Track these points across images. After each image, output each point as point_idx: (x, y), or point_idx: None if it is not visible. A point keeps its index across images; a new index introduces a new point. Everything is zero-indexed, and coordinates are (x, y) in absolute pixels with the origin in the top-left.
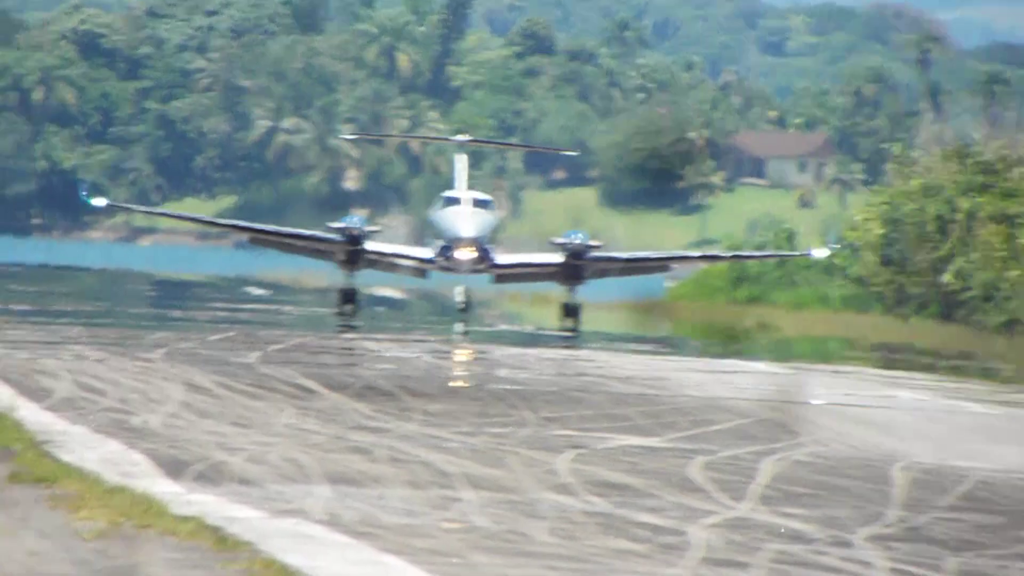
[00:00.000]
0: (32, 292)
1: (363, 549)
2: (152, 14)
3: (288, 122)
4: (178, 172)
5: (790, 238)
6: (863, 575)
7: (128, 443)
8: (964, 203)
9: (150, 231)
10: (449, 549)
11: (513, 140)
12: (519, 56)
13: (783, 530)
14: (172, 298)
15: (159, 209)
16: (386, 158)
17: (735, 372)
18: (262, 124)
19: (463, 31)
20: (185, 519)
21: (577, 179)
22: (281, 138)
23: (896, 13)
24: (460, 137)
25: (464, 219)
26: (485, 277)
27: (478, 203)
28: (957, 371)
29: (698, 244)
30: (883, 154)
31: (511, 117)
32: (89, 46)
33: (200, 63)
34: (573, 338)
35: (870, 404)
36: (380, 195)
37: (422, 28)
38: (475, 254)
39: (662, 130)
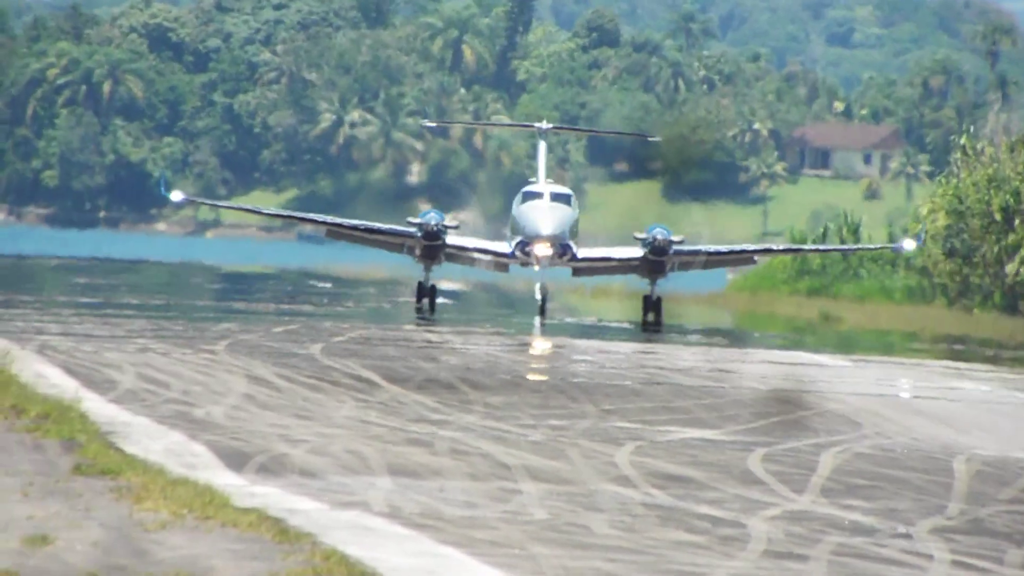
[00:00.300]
0: (98, 285)
1: (423, 541)
2: (220, 8)
3: (353, 115)
4: (244, 165)
5: (855, 230)
6: (924, 567)
7: (190, 435)
8: None
9: (215, 224)
10: (509, 541)
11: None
12: (584, 49)
13: (847, 522)
14: (236, 291)
15: (234, 204)
16: (450, 150)
17: (797, 364)
18: (327, 117)
19: (528, 24)
20: (247, 511)
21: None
22: (346, 131)
23: (965, 3)
24: (542, 124)
25: (543, 214)
26: (565, 271)
27: (558, 197)
28: (1021, 363)
29: (761, 236)
30: (949, 145)
31: (575, 109)
32: (158, 40)
33: (266, 56)
34: (639, 330)
35: (933, 396)
36: (446, 188)
37: (487, 21)
38: (554, 250)
39: (726, 121)
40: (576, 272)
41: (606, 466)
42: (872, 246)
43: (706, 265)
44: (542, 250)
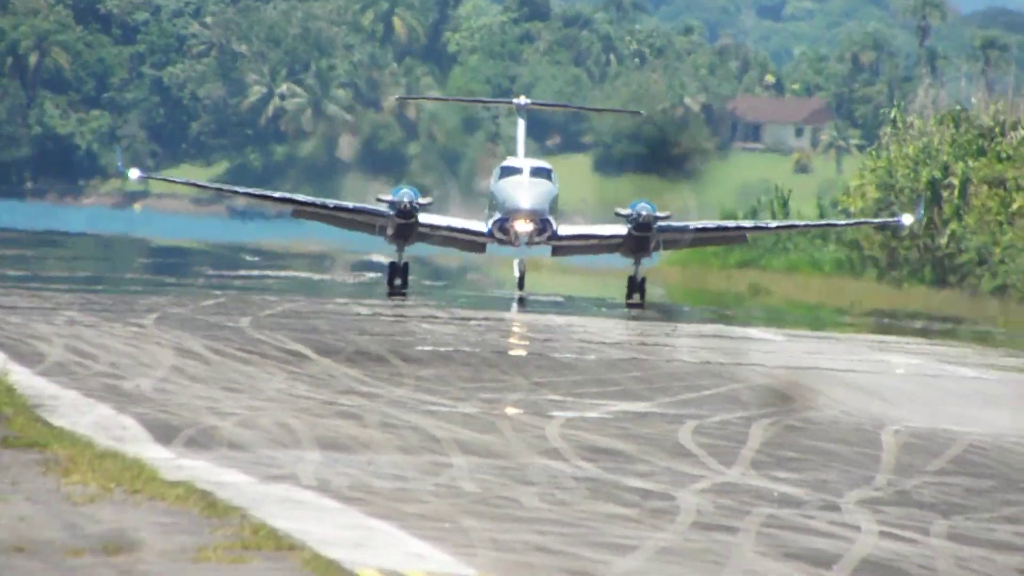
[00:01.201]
0: (25, 257)
1: (353, 514)
2: None
3: (283, 88)
4: (173, 138)
5: (784, 204)
6: (852, 539)
7: (119, 408)
8: (959, 168)
9: (144, 196)
10: (439, 514)
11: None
12: (515, 22)
13: (776, 494)
14: (165, 264)
15: (193, 180)
16: (382, 124)
17: (727, 337)
18: (257, 90)
19: None
20: (175, 484)
21: (572, 145)
22: (275, 103)
23: None
24: (520, 100)
25: (523, 189)
26: (545, 249)
27: (538, 172)
28: (950, 335)
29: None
30: (880, 119)
31: (506, 83)
32: (85, 11)
33: (195, 29)
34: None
35: (862, 369)
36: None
37: None
38: (534, 227)
39: (657, 96)
40: (556, 251)
41: (536, 439)
42: (875, 220)
43: (694, 243)
44: (522, 227)
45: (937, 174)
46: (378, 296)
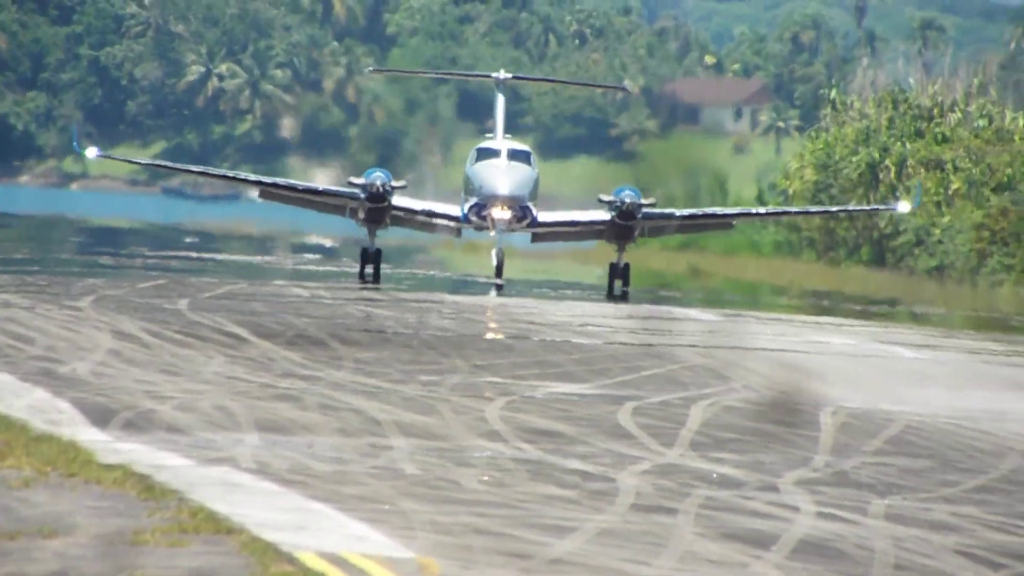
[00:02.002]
0: None
1: (292, 497)
2: None
3: (221, 68)
4: (110, 119)
5: (722, 185)
6: (790, 519)
7: (55, 391)
8: (897, 149)
9: (82, 176)
10: (379, 496)
11: (448, 87)
12: (455, 3)
13: (715, 475)
14: (102, 245)
15: (157, 161)
16: (321, 104)
17: (666, 319)
18: (194, 70)
19: None
20: (112, 467)
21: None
22: (213, 84)
23: None
24: (499, 74)
25: (500, 174)
26: (524, 237)
27: (516, 154)
28: (887, 316)
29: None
30: (819, 101)
31: (446, 64)
32: None
33: (133, 9)
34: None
35: (802, 349)
36: (318, 142)
37: None
38: (512, 213)
39: (597, 77)
40: (536, 238)
41: (476, 421)
42: (870, 207)
43: (680, 229)
44: (499, 213)
45: (876, 155)
46: (318, 278)
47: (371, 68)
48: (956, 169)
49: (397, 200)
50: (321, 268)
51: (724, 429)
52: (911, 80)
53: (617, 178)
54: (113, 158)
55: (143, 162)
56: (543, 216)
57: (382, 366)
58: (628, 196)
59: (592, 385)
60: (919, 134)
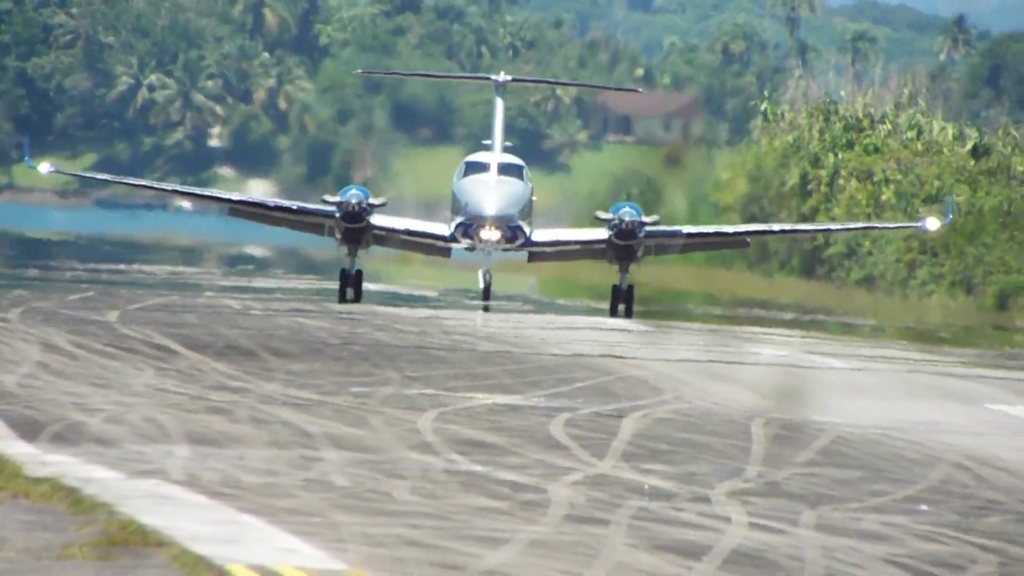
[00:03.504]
0: None
1: (223, 509)
2: None
3: (151, 78)
4: (39, 130)
5: (656, 197)
6: (722, 530)
7: None
8: (829, 160)
9: (9, 188)
10: (310, 508)
11: (381, 97)
12: (387, 14)
13: (647, 487)
14: (29, 257)
15: (112, 176)
16: (252, 115)
17: (599, 329)
18: (124, 80)
19: None
20: (39, 481)
21: (444, 137)
22: (143, 94)
23: None
24: (499, 76)
25: (489, 191)
26: (520, 255)
27: (507, 169)
28: (817, 327)
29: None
30: (750, 112)
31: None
32: None
33: (61, 19)
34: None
35: (732, 360)
36: (248, 153)
37: None
38: (502, 233)
39: (527, 88)
40: (533, 257)
41: (409, 433)
42: (896, 225)
43: (686, 248)
44: (487, 234)
45: (807, 167)
46: (250, 292)
47: (359, 71)
48: (886, 180)
49: (377, 219)
50: (257, 278)
51: (656, 440)
52: (842, 92)
53: (550, 188)
54: (67, 173)
55: (97, 176)
56: (538, 234)
57: (314, 378)
58: (628, 214)
59: (524, 397)
60: (850, 145)
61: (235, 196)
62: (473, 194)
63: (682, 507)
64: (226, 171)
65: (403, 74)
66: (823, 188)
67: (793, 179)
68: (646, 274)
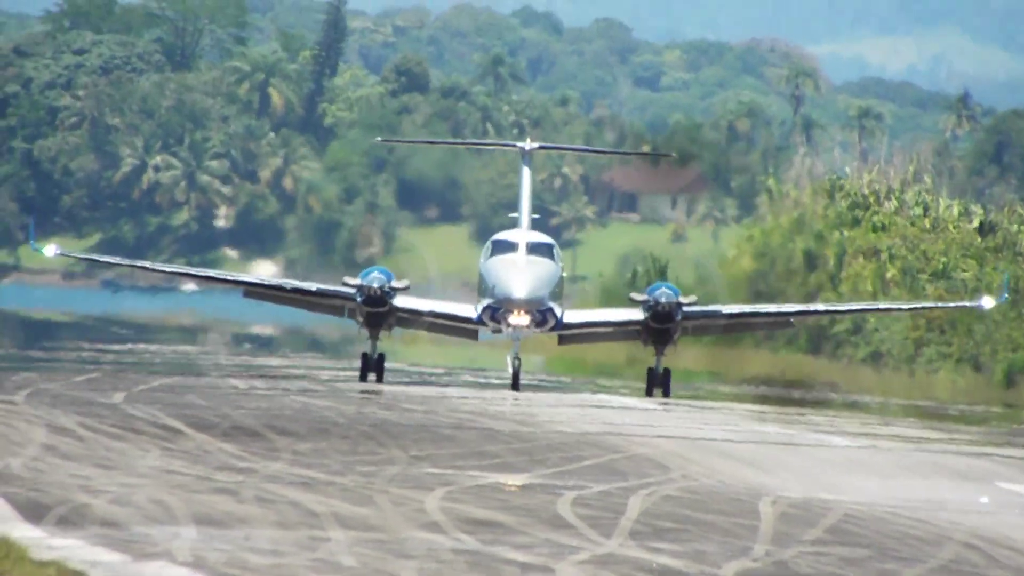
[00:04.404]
0: None
1: None
2: (18, 52)
3: (156, 159)
4: (45, 211)
5: (662, 272)
6: None
7: None
8: (834, 237)
9: (15, 269)
10: None
11: (386, 175)
12: (393, 94)
13: (655, 565)
14: (35, 339)
15: (118, 259)
16: (258, 195)
17: (605, 407)
18: (129, 162)
19: (336, 68)
20: (45, 564)
21: (450, 215)
22: (149, 176)
23: (770, 48)
24: (526, 144)
25: (518, 273)
26: (550, 336)
27: (536, 248)
28: (824, 404)
29: (572, 280)
30: (755, 188)
31: (385, 154)
32: None
33: (67, 101)
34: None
35: (739, 439)
36: (254, 233)
37: (295, 65)
38: (531, 318)
39: (535, 166)
40: (564, 339)
41: (415, 512)
42: (949, 304)
43: (727, 329)
44: (516, 319)
45: (812, 244)
46: (256, 369)
47: (379, 139)
48: (892, 257)
49: (400, 300)
50: (262, 357)
51: (663, 518)
52: (847, 169)
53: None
54: (73, 256)
55: (100, 258)
56: (570, 316)
57: (320, 457)
58: (664, 295)
59: (531, 475)
60: (856, 222)
61: (249, 278)
62: (501, 276)
63: None
64: (232, 251)
65: (425, 142)
66: (831, 265)
67: (798, 256)
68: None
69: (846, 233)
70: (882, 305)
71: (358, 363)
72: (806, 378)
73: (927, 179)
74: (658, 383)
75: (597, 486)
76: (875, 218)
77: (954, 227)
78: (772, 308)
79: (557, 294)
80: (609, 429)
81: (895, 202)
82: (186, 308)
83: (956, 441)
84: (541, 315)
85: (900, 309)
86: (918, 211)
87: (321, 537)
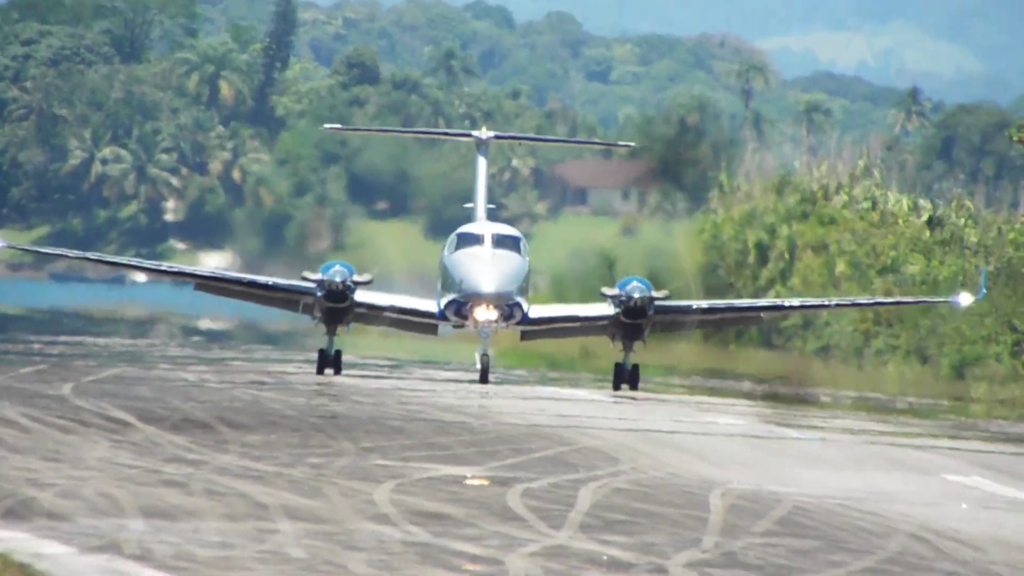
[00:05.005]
0: None
1: None
2: None
3: (105, 152)
4: None
5: (611, 267)
6: None
7: None
8: (784, 231)
9: None
10: None
11: (337, 169)
12: (343, 86)
13: (605, 557)
14: None
15: (73, 252)
16: (207, 187)
17: (557, 400)
18: (78, 154)
19: (287, 60)
20: None
21: (401, 209)
22: (97, 168)
23: (720, 42)
24: (481, 133)
25: (485, 267)
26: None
27: (503, 241)
28: (774, 397)
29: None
30: (706, 183)
31: (336, 147)
32: None
33: (15, 93)
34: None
35: (690, 431)
36: (201, 226)
37: (245, 57)
38: (498, 313)
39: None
40: (527, 335)
41: (365, 504)
42: (925, 299)
43: (702, 324)
44: (484, 314)
45: (763, 237)
46: (205, 362)
47: (329, 126)
48: (841, 251)
49: (359, 296)
50: (212, 350)
51: (613, 511)
52: (796, 163)
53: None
54: (20, 248)
55: (51, 251)
56: (535, 310)
57: (270, 449)
58: (637, 289)
59: (482, 468)
60: (805, 216)
61: (203, 271)
62: (468, 270)
63: None
64: (181, 244)
65: (379, 130)
66: (785, 257)
67: (751, 250)
68: (600, 343)
69: (795, 227)
70: (861, 300)
71: (314, 356)
72: (756, 371)
73: (876, 174)
74: (626, 379)
75: (547, 478)
76: (824, 212)
77: (903, 222)
78: (743, 302)
79: (524, 288)
80: (560, 422)
81: (845, 196)
82: (135, 300)
83: (904, 434)
84: (508, 309)
85: (879, 303)
86: (867, 205)
87: (270, 529)
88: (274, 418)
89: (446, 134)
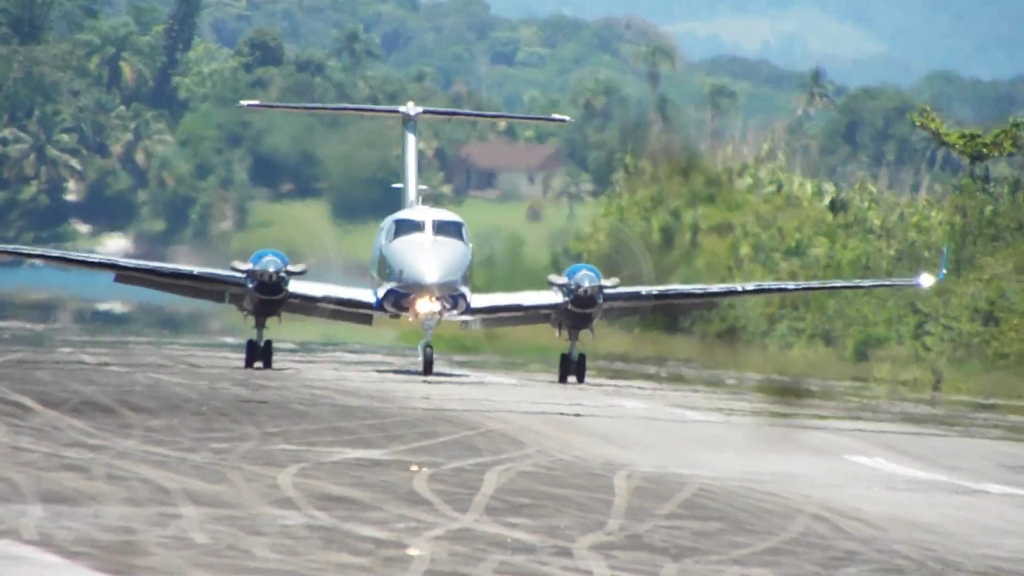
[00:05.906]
0: None
1: (77, 569)
2: None
3: (4, 132)
4: None
5: (517, 251)
6: None
7: None
8: (689, 214)
9: None
10: (168, 566)
11: (241, 151)
12: (246, 67)
13: (510, 540)
14: None
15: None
16: (108, 169)
17: (462, 384)
18: None
19: (190, 41)
20: None
21: (305, 191)
22: None
23: (626, 25)
24: (407, 108)
25: (427, 256)
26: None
27: (444, 227)
28: (679, 379)
29: None
30: (612, 166)
31: (238, 128)
32: None
33: None
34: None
35: (594, 414)
36: (104, 207)
37: (147, 38)
38: (441, 304)
39: (390, 141)
40: (467, 325)
41: (269, 488)
42: (884, 282)
43: (656, 311)
44: (426, 305)
45: (668, 220)
46: (106, 345)
47: (247, 103)
48: (745, 234)
49: (292, 286)
50: (111, 332)
51: (519, 494)
52: (701, 146)
53: None
54: None
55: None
56: (478, 300)
57: (172, 434)
58: (586, 278)
59: (387, 451)
60: (710, 199)
61: (124, 262)
62: (408, 259)
63: (545, 561)
64: (82, 226)
65: (299, 107)
66: (687, 240)
67: (655, 233)
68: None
69: (700, 210)
70: (815, 284)
71: (232, 341)
72: (661, 354)
73: (781, 157)
74: (573, 370)
75: (453, 462)
76: (728, 196)
77: (808, 204)
78: (695, 288)
79: (468, 277)
80: (465, 405)
81: (749, 179)
82: (37, 284)
83: (807, 415)
84: (452, 300)
85: (843, 287)
86: (772, 189)
87: (172, 514)
88: (177, 402)
89: (373, 110)
